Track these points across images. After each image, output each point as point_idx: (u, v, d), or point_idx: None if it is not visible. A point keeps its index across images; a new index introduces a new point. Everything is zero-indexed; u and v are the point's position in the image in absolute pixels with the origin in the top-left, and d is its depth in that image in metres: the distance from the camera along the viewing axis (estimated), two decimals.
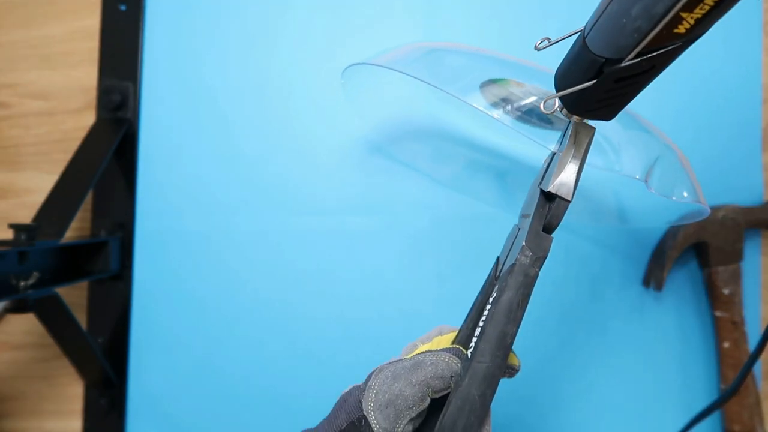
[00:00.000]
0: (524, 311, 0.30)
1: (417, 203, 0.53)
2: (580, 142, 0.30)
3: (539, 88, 0.33)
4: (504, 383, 0.51)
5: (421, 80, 0.33)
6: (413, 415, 0.29)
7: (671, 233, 0.50)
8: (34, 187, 0.56)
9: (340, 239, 0.53)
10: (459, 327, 0.35)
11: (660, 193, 0.34)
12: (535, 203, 0.31)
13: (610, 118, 0.28)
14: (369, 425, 0.29)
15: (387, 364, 0.31)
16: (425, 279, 0.53)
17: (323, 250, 0.53)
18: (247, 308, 0.53)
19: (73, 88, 0.56)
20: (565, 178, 0.30)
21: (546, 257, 0.30)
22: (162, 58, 0.55)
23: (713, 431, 0.52)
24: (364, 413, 0.29)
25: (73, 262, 0.50)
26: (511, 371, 0.33)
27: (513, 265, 0.30)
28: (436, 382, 0.29)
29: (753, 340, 0.51)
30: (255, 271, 0.53)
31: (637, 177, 0.33)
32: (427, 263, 0.53)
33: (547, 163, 0.33)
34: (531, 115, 0.32)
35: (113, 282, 0.54)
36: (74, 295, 0.55)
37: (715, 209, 0.50)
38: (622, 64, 0.23)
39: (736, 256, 0.50)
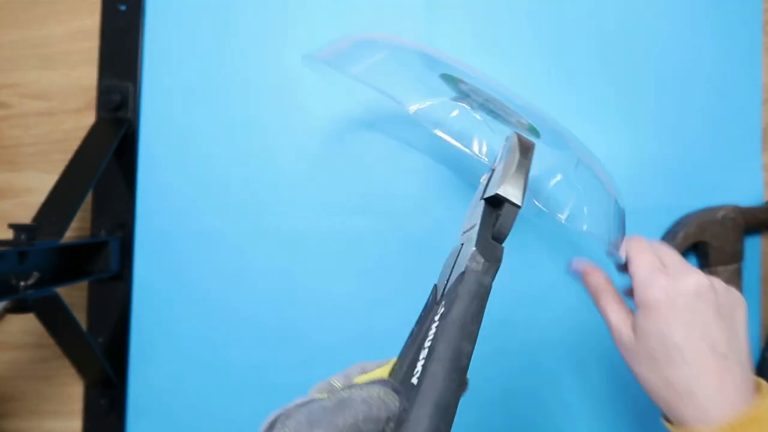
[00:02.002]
0: (479, 328, 0.24)
1: (417, 203, 0.53)
2: (524, 151, 0.29)
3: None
4: (502, 389, 0.51)
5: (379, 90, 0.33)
6: None
7: (671, 233, 0.50)
8: (34, 187, 0.56)
9: (341, 239, 0.53)
10: (385, 361, 0.29)
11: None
12: (480, 214, 0.28)
13: None
14: None
15: (293, 406, 0.24)
16: (425, 278, 0.53)
17: (324, 250, 0.53)
18: (248, 308, 0.53)
19: (73, 88, 0.56)
20: (513, 181, 0.27)
21: (499, 267, 0.26)
22: (162, 58, 0.55)
23: None
24: None
25: (73, 262, 0.50)
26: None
27: (463, 273, 0.25)
28: (370, 426, 0.21)
29: (753, 341, 0.51)
30: (256, 270, 0.53)
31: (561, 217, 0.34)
32: (427, 263, 0.53)
33: (486, 180, 0.31)
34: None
35: (113, 282, 0.54)
36: (74, 295, 0.55)
37: (715, 209, 0.50)
38: None
39: (736, 256, 0.50)
